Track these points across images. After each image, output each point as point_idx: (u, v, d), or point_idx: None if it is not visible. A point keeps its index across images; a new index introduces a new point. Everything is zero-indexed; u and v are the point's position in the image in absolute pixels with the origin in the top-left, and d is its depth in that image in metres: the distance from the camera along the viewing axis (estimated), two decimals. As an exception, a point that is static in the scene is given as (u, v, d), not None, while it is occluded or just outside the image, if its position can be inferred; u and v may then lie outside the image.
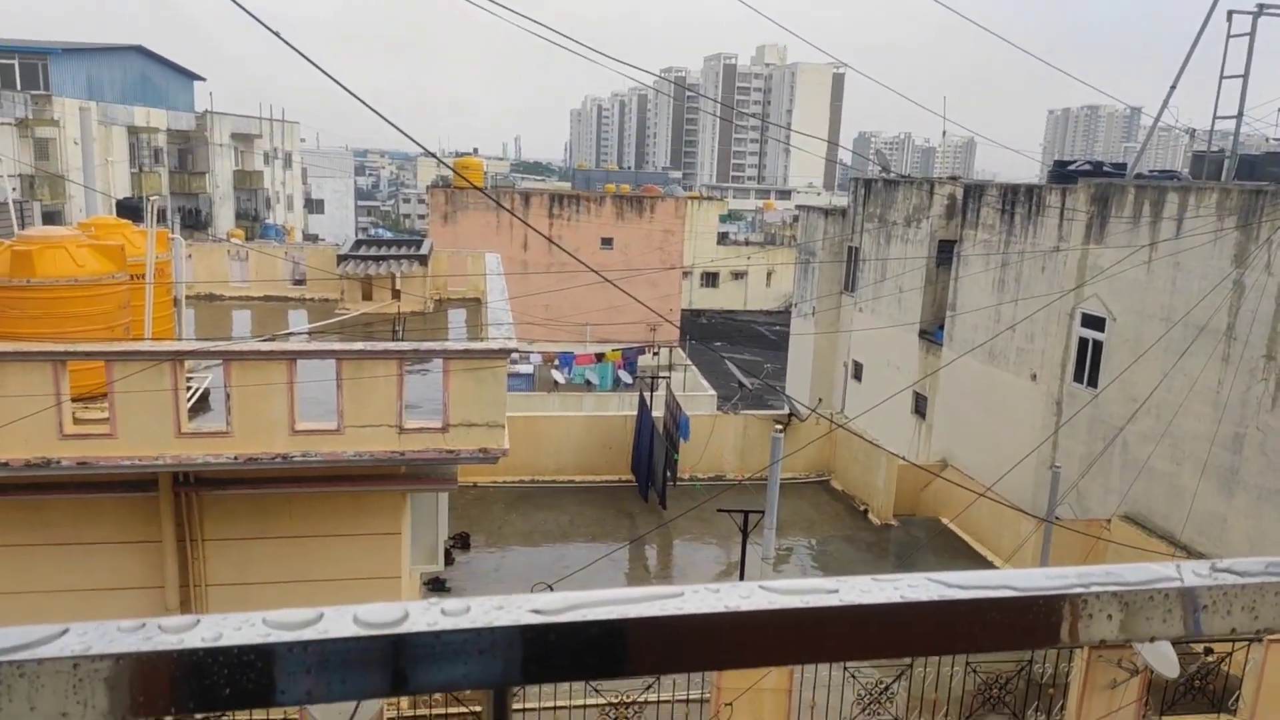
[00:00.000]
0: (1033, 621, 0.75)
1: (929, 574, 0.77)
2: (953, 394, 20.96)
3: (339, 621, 0.65)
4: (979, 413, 19.92)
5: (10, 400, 8.33)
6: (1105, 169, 22.09)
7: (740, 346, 45.76)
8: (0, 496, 9.04)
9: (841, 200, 29.73)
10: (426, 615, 0.67)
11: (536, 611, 0.68)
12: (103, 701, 0.61)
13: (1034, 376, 18.39)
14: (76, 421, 8.79)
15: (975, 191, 21.04)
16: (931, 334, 22.26)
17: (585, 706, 9.83)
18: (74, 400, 8.79)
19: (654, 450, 17.23)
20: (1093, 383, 16.89)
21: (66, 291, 9.52)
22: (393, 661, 0.65)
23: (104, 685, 0.61)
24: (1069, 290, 17.42)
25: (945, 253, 21.99)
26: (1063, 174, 21.36)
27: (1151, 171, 22.84)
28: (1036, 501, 16.32)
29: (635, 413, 18.45)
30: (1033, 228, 18.72)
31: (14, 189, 22.96)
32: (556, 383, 26.91)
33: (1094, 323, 17.01)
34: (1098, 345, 16.87)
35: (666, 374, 25.35)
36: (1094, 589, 0.77)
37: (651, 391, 18.85)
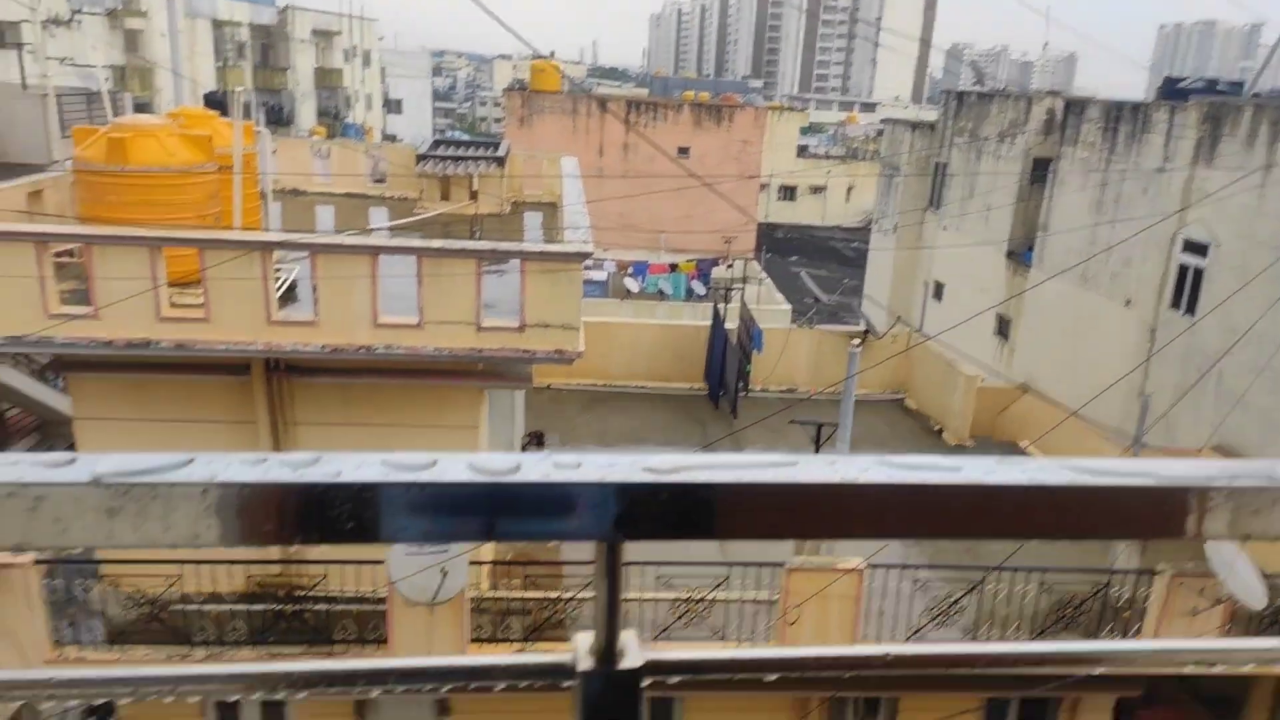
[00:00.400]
0: (1165, 512, 0.71)
1: (1061, 459, 0.73)
2: (1039, 317, 20.24)
3: (454, 466, 0.66)
4: (1066, 338, 19.22)
5: (110, 283, 8.65)
6: (1219, 87, 20.57)
7: (816, 262, 44.85)
8: (105, 374, 9.49)
9: (929, 115, 28.41)
10: (539, 466, 0.67)
11: (649, 470, 0.67)
12: (230, 526, 0.63)
13: (1128, 302, 17.60)
14: (173, 305, 9.10)
15: (1076, 107, 19.83)
16: (1020, 255, 21.40)
17: (656, 600, 10.06)
18: (170, 286, 9.09)
19: (726, 360, 17.16)
20: (1190, 310, 16.09)
21: (159, 179, 9.74)
22: (504, 508, 0.65)
23: (231, 511, 0.62)
24: (1172, 214, 16.45)
25: (1039, 171, 20.92)
26: (1173, 91, 19.94)
27: (1271, 90, 21.13)
28: (1123, 431, 15.83)
29: (708, 323, 18.34)
30: (1137, 147, 17.62)
31: (107, 79, 23.47)
32: (629, 291, 26.87)
33: (1196, 248, 16.09)
34: (1199, 272, 16.00)
35: (741, 286, 25.06)
36: (1228, 483, 0.72)
37: (725, 303, 18.67)
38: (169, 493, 0.62)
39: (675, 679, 0.80)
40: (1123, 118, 18.11)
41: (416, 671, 0.78)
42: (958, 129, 24.36)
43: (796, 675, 0.88)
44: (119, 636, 9.37)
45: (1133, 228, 17.20)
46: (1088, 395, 15.47)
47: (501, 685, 0.78)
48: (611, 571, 0.73)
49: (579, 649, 0.76)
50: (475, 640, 9.85)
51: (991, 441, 17.39)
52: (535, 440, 15.27)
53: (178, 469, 0.63)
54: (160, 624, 9.45)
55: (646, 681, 0.76)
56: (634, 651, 0.76)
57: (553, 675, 0.77)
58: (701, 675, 0.82)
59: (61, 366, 9.69)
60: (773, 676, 0.85)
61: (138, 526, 0.61)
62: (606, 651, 0.75)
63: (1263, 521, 0.71)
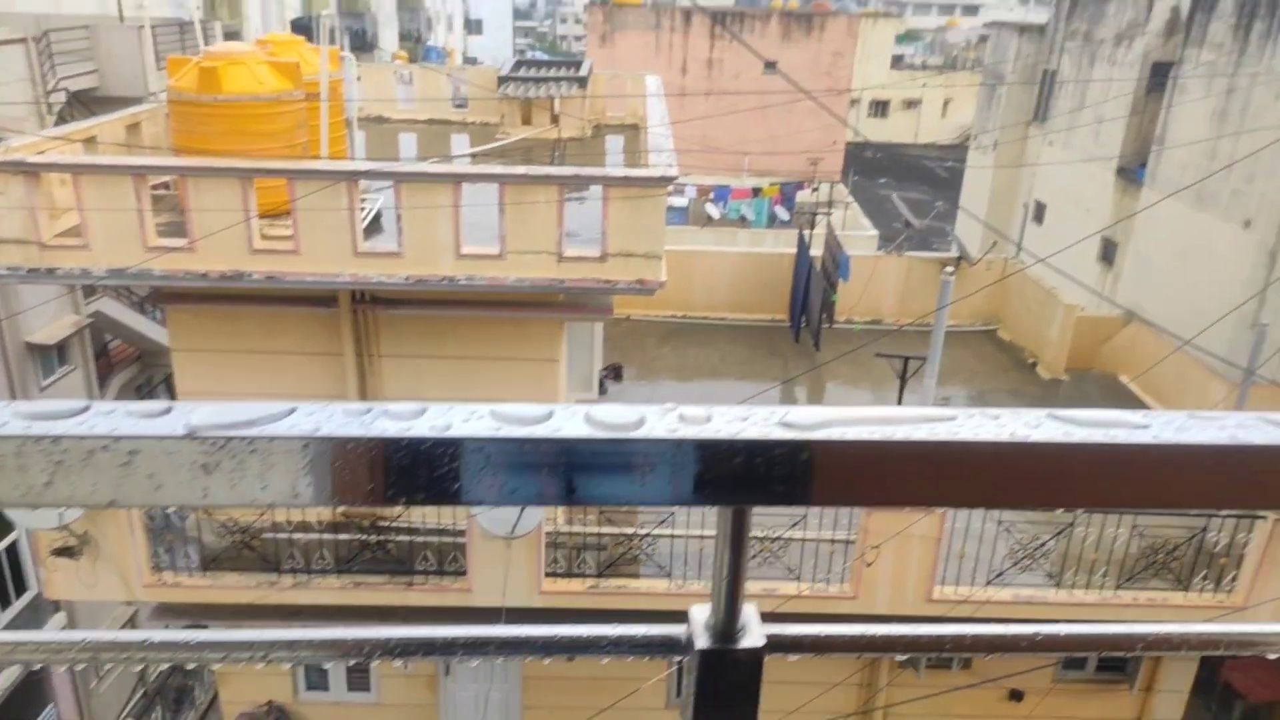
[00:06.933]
0: None
1: (1262, 413, 0.63)
2: (1148, 240, 19.04)
3: (572, 421, 0.60)
4: (1177, 262, 18.06)
5: (204, 214, 8.87)
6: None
7: (908, 184, 43.12)
8: (200, 305, 9.83)
9: (1039, 16, 26.47)
10: (664, 420, 0.61)
11: (787, 425, 0.60)
12: (331, 484, 0.59)
13: (1247, 223, 16.35)
14: (264, 237, 9.29)
15: (1205, 3, 18.14)
16: (1132, 172, 20.04)
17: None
18: (260, 217, 9.26)
19: (810, 290, 16.74)
20: (1321, 234, 14.85)
21: (251, 109, 9.84)
22: (628, 466, 0.60)
23: (333, 468, 0.58)
24: (1309, 125, 15.06)
25: (1159, 78, 19.37)
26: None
27: None
28: (1231, 362, 14.91)
29: (792, 250, 17.86)
30: (1272, 46, 16.07)
31: (198, 7, 23.81)
32: (710, 217, 26.36)
33: (1334, 164, 14.74)
34: (1334, 190, 14.69)
35: (826, 211, 24.27)
36: None
37: (810, 229, 18.12)
38: (268, 448, 0.57)
39: (796, 657, 0.75)
40: (1258, 12, 16.50)
41: (520, 641, 0.73)
42: (1070, 32, 22.68)
43: (913, 655, 0.80)
44: (212, 563, 9.89)
45: (1261, 140, 15.83)
46: (1197, 325, 14.58)
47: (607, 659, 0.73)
48: (737, 540, 0.68)
49: (695, 623, 0.71)
50: (550, 575, 10.07)
51: (1089, 376, 16.63)
52: (613, 373, 15.30)
53: (277, 420, 0.59)
54: (251, 551, 9.93)
55: (768, 659, 0.70)
56: (755, 628, 0.70)
57: (666, 650, 0.72)
58: (826, 654, 0.76)
59: (160, 299, 10.08)
60: (903, 656, 0.81)
61: (235, 484, 0.58)
62: (726, 627, 0.70)
63: None
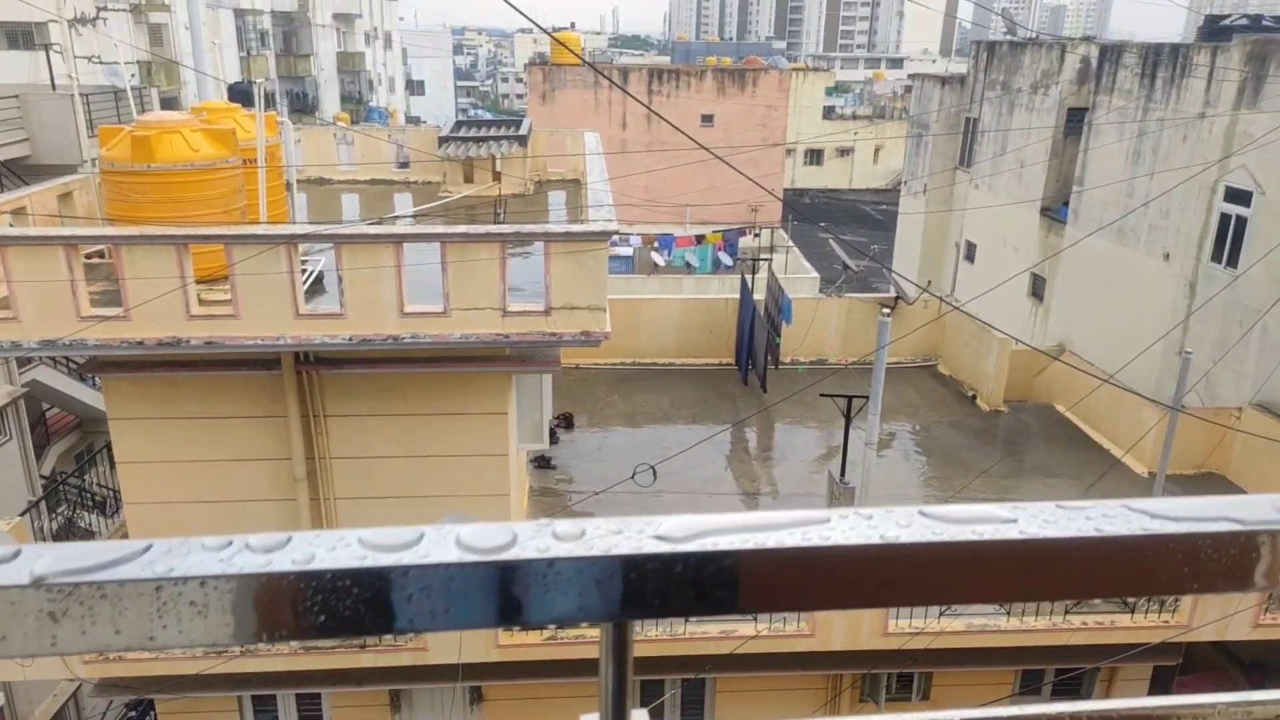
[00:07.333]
0: (1255, 560, 0.63)
1: (1125, 500, 0.65)
2: (1074, 275, 19.82)
3: (441, 544, 0.59)
4: (1103, 295, 18.81)
5: (140, 282, 8.78)
6: (1265, 23, 19.78)
7: (845, 227, 44.24)
8: (138, 373, 9.66)
9: (959, 67, 27.69)
10: (537, 539, 0.60)
11: (661, 539, 0.60)
12: (188, 627, 0.56)
13: (1167, 256, 17.15)
14: (202, 303, 9.21)
15: (1112, 53, 19.22)
16: (1054, 211, 20.92)
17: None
18: (197, 283, 9.19)
19: (755, 333, 17.04)
20: (1232, 263, 15.63)
21: (185, 176, 9.81)
22: (499, 590, 0.58)
23: (190, 609, 0.56)
24: (1214, 162, 15.94)
25: (1074, 122, 20.36)
26: (1215, 30, 19.22)
27: (1321, 25, 20.24)
28: (1161, 389, 15.50)
29: (736, 295, 18.20)
30: (1176, 92, 17.05)
31: (132, 75, 23.69)
32: (656, 265, 26.73)
33: (1239, 197, 15.59)
34: (1241, 221, 15.52)
35: (768, 256, 24.78)
36: None
37: (753, 274, 18.49)
38: (118, 592, 0.55)
39: None
40: (1161, 62, 17.53)
41: None
42: (988, 82, 23.77)
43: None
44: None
45: (1172, 178, 16.70)
46: (1125, 355, 15.14)
47: None
48: (619, 653, 0.67)
49: None
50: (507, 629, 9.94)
51: (1027, 406, 17.12)
52: (565, 422, 15.32)
53: (129, 561, 0.56)
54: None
55: None
56: None
57: None
58: None
59: (95, 367, 9.88)
60: None
61: (85, 630, 0.55)
62: None
63: None
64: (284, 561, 0.57)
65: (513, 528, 0.61)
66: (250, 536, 0.60)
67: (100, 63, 26.26)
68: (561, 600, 0.59)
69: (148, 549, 0.58)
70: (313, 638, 0.59)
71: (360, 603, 0.57)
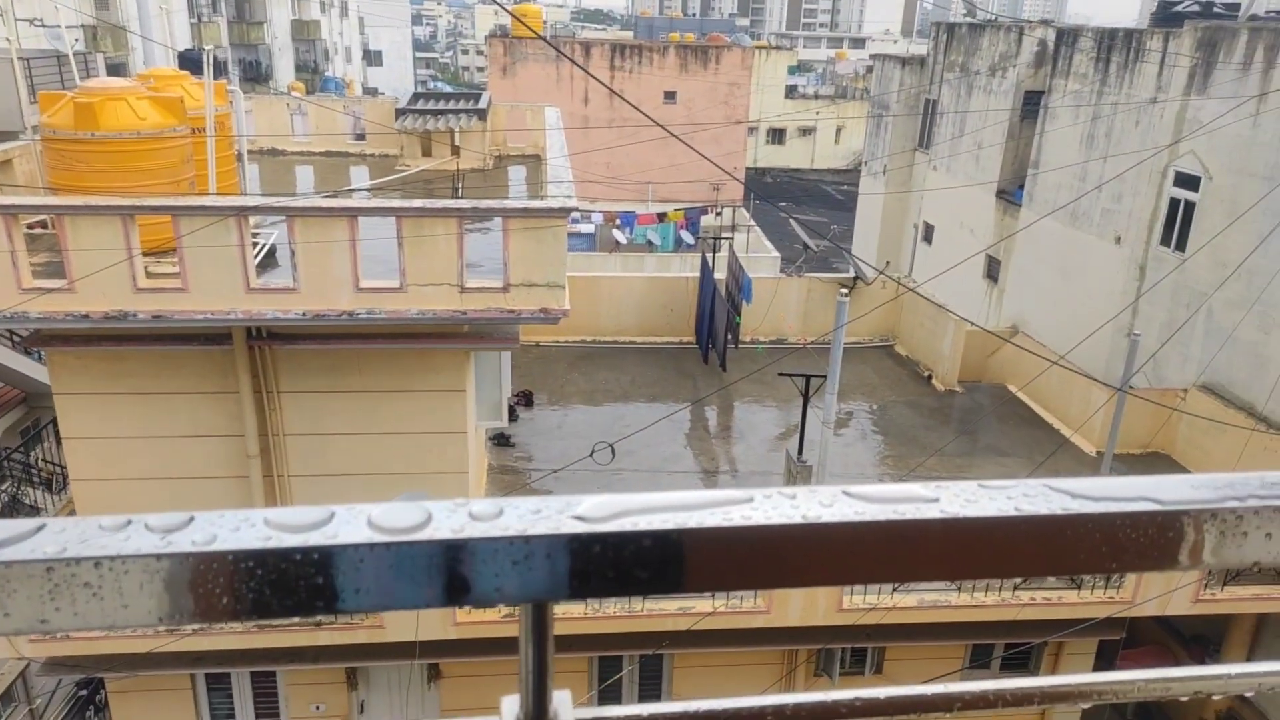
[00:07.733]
0: (1174, 540, 0.63)
1: (1046, 480, 0.65)
2: (1028, 257, 20.15)
3: (350, 524, 0.57)
4: (1055, 277, 19.16)
5: (84, 254, 8.52)
6: (1216, 9, 20.16)
7: (806, 207, 44.47)
8: (84, 347, 9.40)
9: (921, 48, 27.86)
10: (451, 520, 0.58)
11: (580, 519, 0.59)
12: (86, 609, 0.54)
13: (1118, 239, 17.50)
14: (149, 276, 8.97)
15: (1068, 36, 19.45)
16: (1010, 194, 21.21)
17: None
18: (144, 255, 8.95)
19: (715, 312, 17.08)
20: (1181, 246, 16.00)
21: (130, 145, 9.52)
22: (411, 572, 0.56)
23: (84, 590, 0.54)
24: (1164, 146, 16.26)
25: (1030, 106, 20.61)
26: (1168, 16, 19.55)
27: (1269, 13, 20.69)
28: (1110, 370, 15.86)
29: (697, 274, 18.21)
30: (1129, 77, 17.33)
31: (76, 40, 22.88)
32: (618, 243, 26.63)
33: (1188, 182, 15.94)
34: (1189, 206, 15.87)
35: (729, 235, 24.84)
36: (1252, 502, 0.63)
37: (714, 252, 18.51)
38: (5, 574, 0.53)
39: None
40: (1115, 46, 17.78)
41: None
42: (948, 64, 23.94)
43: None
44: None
45: (1124, 163, 17.00)
46: (1077, 335, 15.46)
47: None
48: (539, 634, 0.66)
49: (505, 715, 0.68)
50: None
51: (980, 386, 17.42)
52: (524, 400, 15.25)
53: (19, 542, 0.54)
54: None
55: None
56: (567, 716, 0.68)
57: None
58: None
59: (39, 341, 9.60)
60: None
61: None
62: (536, 718, 0.68)
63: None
64: (183, 542, 0.55)
65: (428, 507, 0.59)
66: (150, 516, 0.57)
67: (42, 26, 25.32)
68: (478, 582, 0.57)
69: (40, 529, 0.56)
70: (216, 621, 0.56)
71: (265, 585, 0.55)
